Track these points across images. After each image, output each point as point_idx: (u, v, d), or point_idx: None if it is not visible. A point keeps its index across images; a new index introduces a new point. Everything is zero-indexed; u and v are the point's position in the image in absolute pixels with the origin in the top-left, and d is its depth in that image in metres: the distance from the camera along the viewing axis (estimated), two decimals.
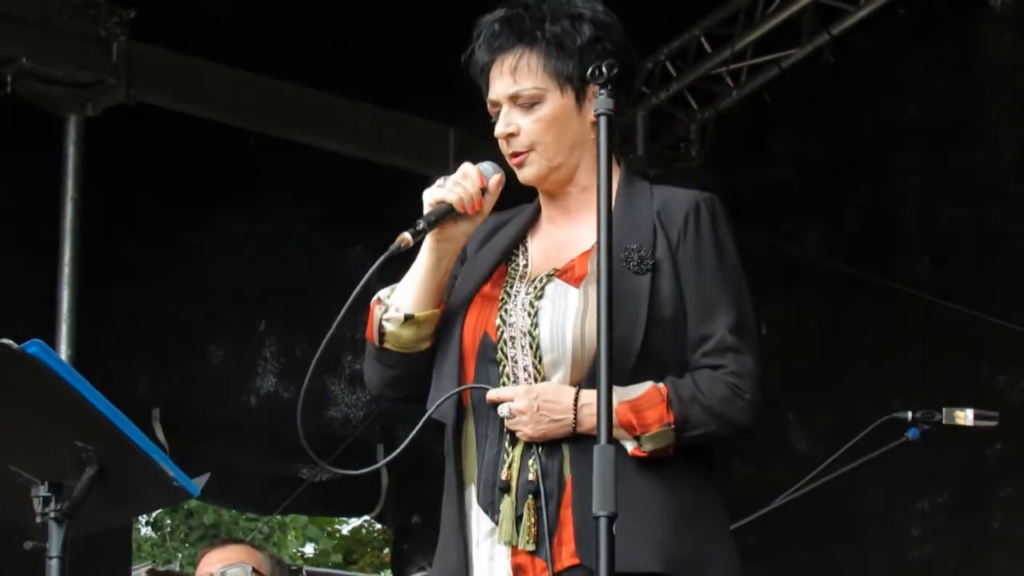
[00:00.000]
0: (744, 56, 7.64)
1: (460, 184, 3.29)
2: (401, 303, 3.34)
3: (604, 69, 3.11)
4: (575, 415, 3.14)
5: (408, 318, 3.33)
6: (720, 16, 7.60)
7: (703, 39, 7.62)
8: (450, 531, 3.33)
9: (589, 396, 3.09)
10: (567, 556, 3.16)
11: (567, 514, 3.18)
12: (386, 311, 3.34)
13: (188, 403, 7.47)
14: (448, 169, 7.59)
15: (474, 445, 3.31)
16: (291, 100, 7.40)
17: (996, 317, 6.62)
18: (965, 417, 4.72)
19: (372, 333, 3.36)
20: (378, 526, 9.88)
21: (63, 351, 6.59)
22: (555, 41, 3.29)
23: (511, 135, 3.31)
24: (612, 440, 2.92)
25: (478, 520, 3.26)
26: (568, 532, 3.17)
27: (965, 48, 7.73)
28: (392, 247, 3.19)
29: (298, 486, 7.71)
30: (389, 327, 3.35)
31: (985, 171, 7.35)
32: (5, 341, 3.12)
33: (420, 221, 3.21)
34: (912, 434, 4.76)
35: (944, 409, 4.76)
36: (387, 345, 3.34)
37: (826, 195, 7.86)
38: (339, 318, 3.20)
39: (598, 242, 3.01)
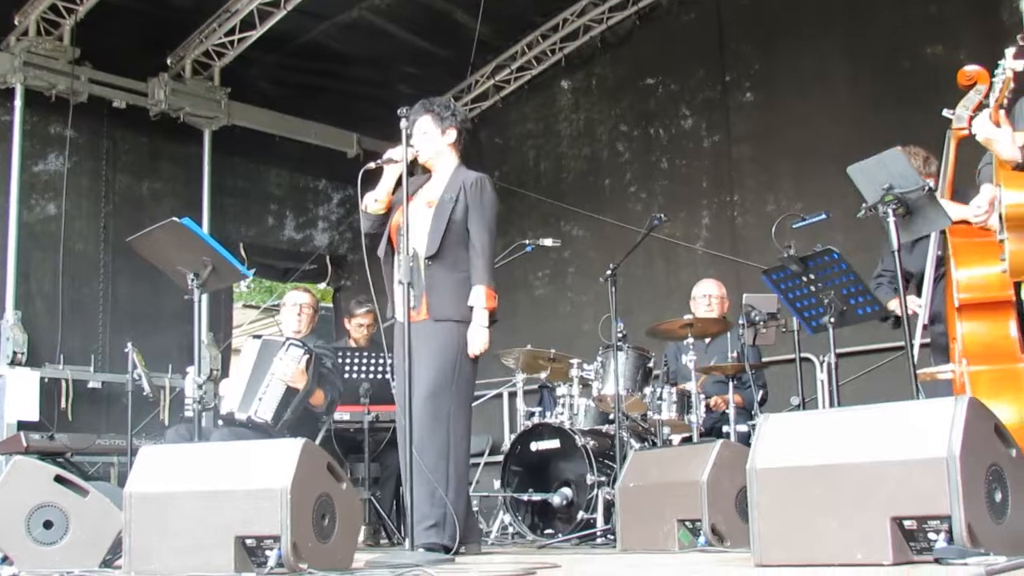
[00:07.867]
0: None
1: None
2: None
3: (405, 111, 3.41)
4: None
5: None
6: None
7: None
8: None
9: None
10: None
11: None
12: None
13: (251, 242, 7.68)
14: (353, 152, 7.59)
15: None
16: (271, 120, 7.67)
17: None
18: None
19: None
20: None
21: (205, 227, 6.93)
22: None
23: None
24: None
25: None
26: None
27: (554, 104, 7.89)
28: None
29: (295, 272, 7.87)
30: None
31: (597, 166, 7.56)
32: (174, 219, 3.60)
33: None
34: None
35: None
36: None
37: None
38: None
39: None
